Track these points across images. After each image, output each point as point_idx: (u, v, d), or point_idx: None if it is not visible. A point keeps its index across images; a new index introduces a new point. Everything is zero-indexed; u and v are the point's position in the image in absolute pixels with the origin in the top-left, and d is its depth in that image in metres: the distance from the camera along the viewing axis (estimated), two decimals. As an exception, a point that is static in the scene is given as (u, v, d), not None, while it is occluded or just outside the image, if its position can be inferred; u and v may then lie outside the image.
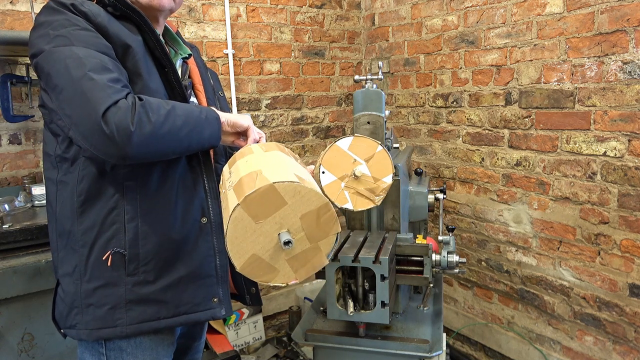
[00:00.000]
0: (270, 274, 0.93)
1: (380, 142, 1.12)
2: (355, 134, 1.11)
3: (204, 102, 1.29)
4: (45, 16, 1.05)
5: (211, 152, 1.23)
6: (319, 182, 1.11)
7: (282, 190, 0.88)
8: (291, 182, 0.89)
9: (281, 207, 0.89)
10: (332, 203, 1.13)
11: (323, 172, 1.07)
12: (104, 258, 1.09)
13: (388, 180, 1.06)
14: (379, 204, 1.07)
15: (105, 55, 1.02)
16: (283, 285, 0.95)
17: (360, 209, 1.08)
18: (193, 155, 1.17)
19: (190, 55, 1.33)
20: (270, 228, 0.90)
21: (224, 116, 1.12)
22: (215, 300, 1.21)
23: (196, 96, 1.30)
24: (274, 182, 0.88)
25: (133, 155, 0.97)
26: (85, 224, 1.10)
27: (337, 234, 0.94)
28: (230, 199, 0.91)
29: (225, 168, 1.07)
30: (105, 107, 0.93)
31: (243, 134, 1.17)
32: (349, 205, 1.06)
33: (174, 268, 1.14)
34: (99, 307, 1.11)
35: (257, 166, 0.96)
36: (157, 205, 1.12)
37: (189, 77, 1.31)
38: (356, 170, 1.05)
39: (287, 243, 0.88)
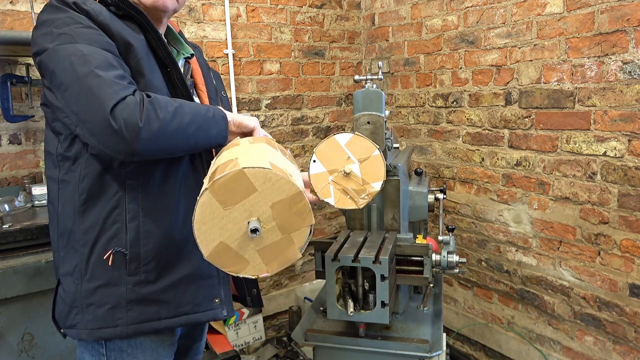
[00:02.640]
0: (239, 264, 0.91)
1: (378, 147, 1.10)
2: (356, 133, 1.09)
3: (206, 102, 1.29)
4: (47, 14, 1.05)
5: (213, 152, 1.23)
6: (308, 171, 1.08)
7: (252, 175, 0.86)
8: (262, 168, 0.86)
9: (251, 194, 0.86)
10: (316, 194, 1.10)
11: (314, 161, 1.05)
12: (104, 257, 1.09)
13: (377, 186, 1.03)
14: (361, 207, 1.05)
15: (110, 52, 1.02)
16: (254, 277, 0.93)
17: (340, 207, 1.05)
18: (196, 155, 1.17)
19: (192, 55, 1.33)
20: (239, 215, 0.87)
21: (230, 115, 1.12)
22: (216, 300, 1.21)
23: (198, 96, 1.30)
24: (244, 167, 0.85)
25: (141, 152, 0.97)
26: (86, 223, 1.10)
27: (311, 226, 0.91)
28: (203, 186, 0.90)
29: (213, 161, 1.06)
30: (113, 103, 0.93)
31: (248, 134, 1.17)
32: (330, 200, 1.03)
33: (175, 268, 1.14)
34: (99, 307, 1.11)
35: (236, 155, 0.94)
36: (159, 204, 1.12)
37: (191, 76, 1.31)
38: (346, 167, 1.03)
39: (254, 231, 0.86)
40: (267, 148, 1.01)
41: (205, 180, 0.92)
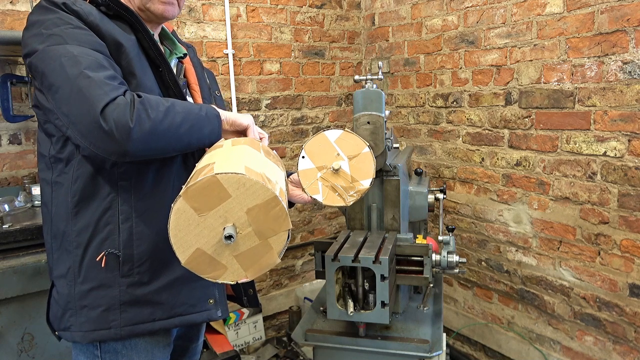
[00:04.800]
0: (217, 270, 0.90)
1: (368, 144, 1.07)
2: (346, 129, 1.07)
3: (200, 102, 1.28)
4: (37, 15, 1.04)
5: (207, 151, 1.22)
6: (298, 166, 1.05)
7: (225, 181, 0.85)
8: (235, 173, 0.85)
9: (225, 200, 0.85)
10: (304, 191, 1.06)
11: (303, 157, 1.03)
12: (97, 259, 1.09)
13: (366, 184, 0.99)
14: (349, 205, 1.02)
15: (100, 53, 1.01)
16: (233, 283, 0.92)
17: (329, 205, 1.02)
18: (189, 155, 1.16)
19: (185, 54, 1.32)
20: (214, 221, 0.86)
21: (223, 114, 1.11)
22: (211, 301, 1.20)
23: (192, 95, 1.29)
24: (217, 173, 0.84)
25: (133, 152, 0.96)
26: (79, 224, 1.10)
27: (289, 230, 0.90)
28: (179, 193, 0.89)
29: (197, 164, 1.06)
30: (103, 104, 0.93)
31: (243, 133, 1.16)
32: (318, 197, 1.00)
33: (169, 269, 1.14)
34: (93, 309, 1.10)
35: (215, 159, 0.92)
36: (152, 205, 1.11)
37: (184, 76, 1.31)
38: (335, 164, 1.00)
39: (228, 237, 0.85)
40: (248, 150, 1.00)
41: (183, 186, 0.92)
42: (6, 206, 1.89)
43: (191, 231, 0.87)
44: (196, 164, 1.03)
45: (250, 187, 0.86)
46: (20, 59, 2.14)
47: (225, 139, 1.15)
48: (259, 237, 0.89)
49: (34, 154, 2.21)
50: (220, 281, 0.91)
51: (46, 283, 1.61)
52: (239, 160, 0.93)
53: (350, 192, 0.98)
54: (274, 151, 1.16)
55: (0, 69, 2.09)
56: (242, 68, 2.83)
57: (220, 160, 0.92)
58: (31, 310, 1.67)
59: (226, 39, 2.73)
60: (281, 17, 2.93)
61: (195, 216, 0.86)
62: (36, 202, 1.96)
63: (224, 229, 0.86)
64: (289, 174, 1.32)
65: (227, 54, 2.75)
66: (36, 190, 1.97)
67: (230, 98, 2.78)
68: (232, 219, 0.87)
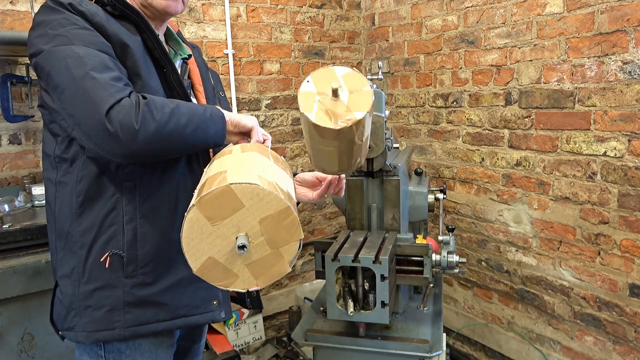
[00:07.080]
0: (229, 278, 0.91)
1: (372, 84, 1.05)
2: (354, 68, 1.06)
3: (204, 103, 1.28)
4: (43, 15, 1.04)
5: (211, 153, 1.22)
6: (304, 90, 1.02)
7: (240, 192, 0.85)
8: (249, 183, 0.85)
9: (238, 210, 0.86)
10: (300, 111, 1.01)
11: (307, 81, 1.03)
12: (102, 260, 1.09)
13: (359, 115, 0.97)
14: (337, 128, 0.98)
15: (105, 54, 1.01)
16: (243, 290, 0.93)
17: (317, 123, 0.99)
18: (193, 156, 1.16)
19: (190, 55, 1.32)
20: (227, 231, 0.87)
21: (228, 115, 1.11)
22: (214, 303, 1.21)
23: (196, 96, 1.29)
24: (230, 183, 0.85)
25: (138, 154, 0.96)
26: (83, 225, 1.10)
27: (300, 240, 0.91)
28: (191, 201, 0.89)
29: (205, 169, 1.05)
30: (108, 105, 0.93)
31: (247, 134, 1.16)
32: (311, 115, 0.98)
33: (173, 270, 1.14)
34: (96, 309, 1.10)
35: (226, 167, 0.93)
36: (157, 206, 1.11)
37: (189, 77, 1.31)
38: (334, 84, 0.98)
39: (241, 247, 0.86)
40: (258, 158, 1.00)
41: (195, 194, 0.91)
42: (6, 206, 1.89)
43: (204, 240, 0.87)
44: (204, 169, 1.03)
45: (264, 198, 0.86)
46: (20, 59, 2.14)
47: (232, 142, 1.15)
48: (271, 246, 0.90)
49: (34, 154, 2.21)
50: (231, 289, 0.92)
51: (46, 283, 1.62)
52: (251, 168, 0.93)
53: (342, 118, 0.96)
54: (282, 157, 1.17)
55: (0, 69, 2.09)
56: (242, 68, 2.83)
57: (232, 168, 0.92)
58: (31, 310, 1.67)
59: (226, 39, 2.73)
60: (281, 17, 2.94)
61: (208, 225, 0.86)
62: (36, 202, 1.96)
63: (237, 238, 0.87)
64: (293, 174, 1.33)
65: (227, 54, 2.75)
66: (36, 190, 1.97)
67: (231, 98, 2.78)
68: (244, 228, 0.87)
